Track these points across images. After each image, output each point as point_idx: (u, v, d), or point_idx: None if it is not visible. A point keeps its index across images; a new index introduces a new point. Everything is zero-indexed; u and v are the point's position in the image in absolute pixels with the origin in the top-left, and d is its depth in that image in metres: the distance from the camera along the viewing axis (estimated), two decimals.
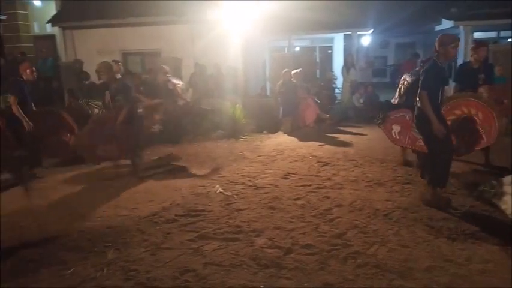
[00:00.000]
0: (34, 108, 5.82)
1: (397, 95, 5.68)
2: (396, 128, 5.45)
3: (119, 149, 5.57)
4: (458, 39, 4.32)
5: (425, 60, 4.44)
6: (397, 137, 5.48)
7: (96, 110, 9.41)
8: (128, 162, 5.86)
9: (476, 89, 5.41)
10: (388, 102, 5.74)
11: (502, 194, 3.33)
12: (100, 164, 5.89)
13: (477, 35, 12.75)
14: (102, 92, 7.99)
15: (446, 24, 12.29)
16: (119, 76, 5.42)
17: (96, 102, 9.48)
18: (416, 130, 4.61)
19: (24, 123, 5.48)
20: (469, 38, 11.82)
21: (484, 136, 4.94)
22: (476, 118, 4.92)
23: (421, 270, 2.97)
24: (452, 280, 2.83)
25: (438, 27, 12.85)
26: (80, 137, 5.78)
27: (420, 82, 4.18)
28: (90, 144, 5.57)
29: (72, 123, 6.18)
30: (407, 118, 5.22)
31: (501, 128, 5.01)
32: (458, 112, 4.99)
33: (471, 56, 5.75)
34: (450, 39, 4.16)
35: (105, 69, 5.49)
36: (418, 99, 4.19)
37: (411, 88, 5.03)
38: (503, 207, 3.31)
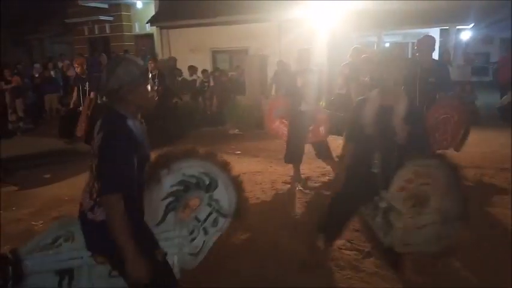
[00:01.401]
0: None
1: None
2: None
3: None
4: (432, 42, 4.53)
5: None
6: None
7: None
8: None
9: None
10: None
11: None
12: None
13: None
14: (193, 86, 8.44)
15: None
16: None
17: None
18: None
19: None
20: None
21: (449, 139, 4.73)
22: (451, 120, 4.76)
23: None
24: None
25: None
26: None
27: None
28: None
29: None
30: None
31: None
32: (442, 111, 4.85)
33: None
34: (424, 41, 4.43)
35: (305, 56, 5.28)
36: None
37: None
38: None
